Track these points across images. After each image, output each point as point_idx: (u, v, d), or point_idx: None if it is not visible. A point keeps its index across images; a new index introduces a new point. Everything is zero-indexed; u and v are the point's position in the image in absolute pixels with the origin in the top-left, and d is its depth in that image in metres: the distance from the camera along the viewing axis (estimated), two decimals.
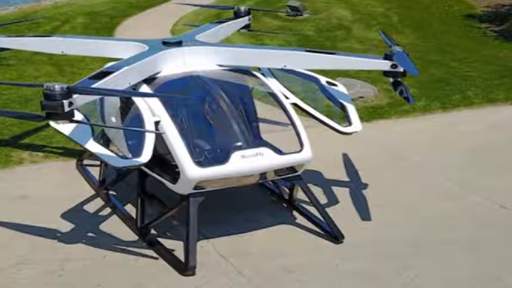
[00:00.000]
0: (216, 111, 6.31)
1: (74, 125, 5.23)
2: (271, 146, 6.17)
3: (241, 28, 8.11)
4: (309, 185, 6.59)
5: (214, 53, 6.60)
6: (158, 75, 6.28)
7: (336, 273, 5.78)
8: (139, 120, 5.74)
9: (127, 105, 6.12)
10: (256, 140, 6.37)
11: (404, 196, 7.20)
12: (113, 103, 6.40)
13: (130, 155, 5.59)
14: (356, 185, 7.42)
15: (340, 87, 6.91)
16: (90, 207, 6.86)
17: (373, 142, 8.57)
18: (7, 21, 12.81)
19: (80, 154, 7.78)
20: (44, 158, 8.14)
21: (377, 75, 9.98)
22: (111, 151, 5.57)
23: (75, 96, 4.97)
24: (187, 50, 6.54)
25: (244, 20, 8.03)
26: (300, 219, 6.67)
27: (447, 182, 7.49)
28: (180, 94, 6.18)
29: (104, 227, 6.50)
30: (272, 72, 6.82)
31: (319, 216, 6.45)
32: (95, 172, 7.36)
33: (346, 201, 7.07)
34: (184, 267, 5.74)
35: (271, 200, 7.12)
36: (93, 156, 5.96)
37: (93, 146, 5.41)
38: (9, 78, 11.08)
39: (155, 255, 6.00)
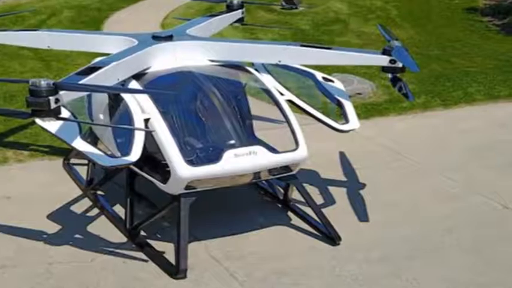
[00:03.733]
0: (208, 109, 6.32)
1: (60, 122, 5.23)
2: (266, 145, 6.18)
3: (234, 22, 8.12)
4: (304, 184, 6.60)
5: (206, 48, 6.61)
6: (148, 71, 6.29)
7: (333, 275, 5.79)
8: (128, 117, 5.74)
9: (115, 102, 6.12)
10: (249, 138, 6.38)
11: (404, 196, 7.22)
12: (100, 100, 6.39)
13: (119, 154, 5.59)
14: (353, 185, 7.43)
15: (337, 83, 6.92)
16: (77, 208, 6.87)
17: (371, 140, 8.59)
18: None
19: (66, 153, 7.77)
20: (29, 157, 8.13)
21: (375, 71, 10.02)
22: (99, 150, 5.57)
23: (61, 92, 4.97)
24: (178, 44, 6.55)
25: (237, 14, 8.04)
26: (295, 220, 6.68)
27: (448, 182, 7.51)
28: (171, 90, 6.19)
29: (92, 228, 6.50)
30: (266, 68, 6.83)
31: (315, 217, 6.46)
32: (83, 171, 7.36)
33: (343, 201, 7.09)
34: (175, 270, 5.75)
35: (265, 200, 7.13)
36: (80, 155, 5.95)
37: (80, 145, 5.41)
38: None
39: (145, 257, 6.01)
